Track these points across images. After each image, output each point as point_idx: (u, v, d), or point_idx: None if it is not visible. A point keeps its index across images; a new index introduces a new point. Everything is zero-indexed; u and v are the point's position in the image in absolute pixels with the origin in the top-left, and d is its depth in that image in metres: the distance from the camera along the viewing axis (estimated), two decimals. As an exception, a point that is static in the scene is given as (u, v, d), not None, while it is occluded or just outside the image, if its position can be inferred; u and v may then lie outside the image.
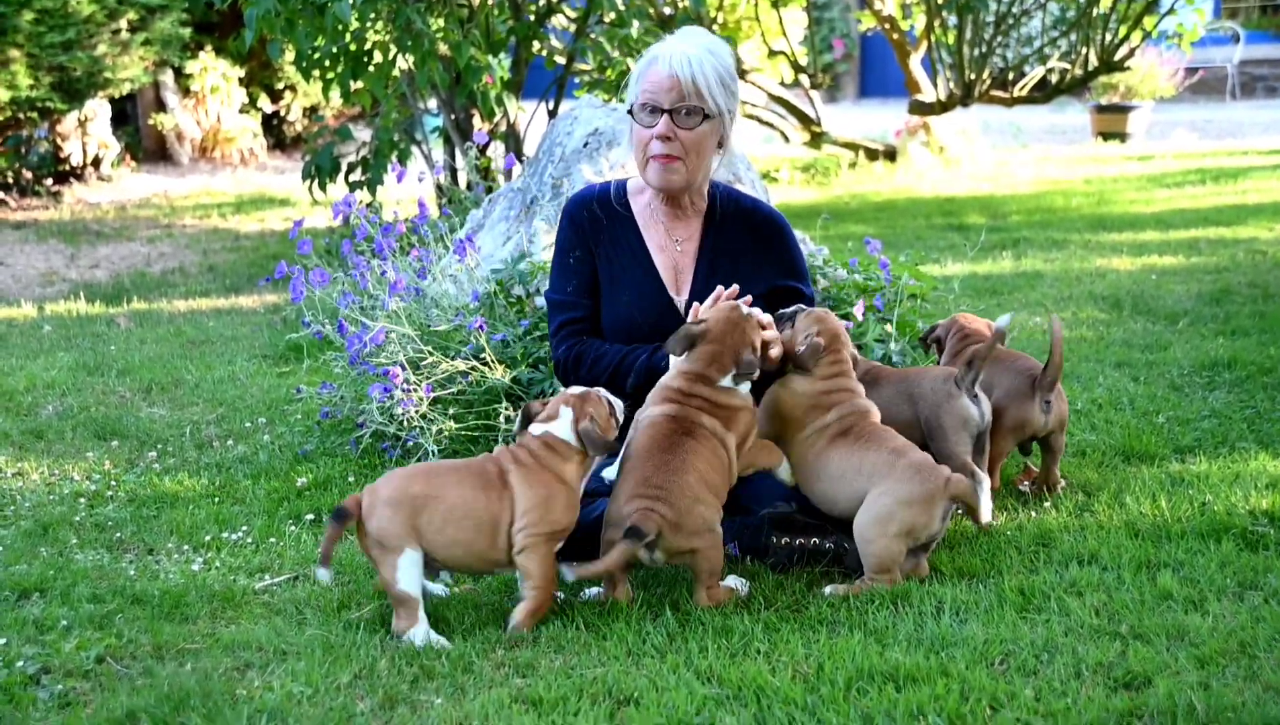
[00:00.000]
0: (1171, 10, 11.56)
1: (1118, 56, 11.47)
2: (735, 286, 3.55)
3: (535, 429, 3.27)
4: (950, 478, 3.36)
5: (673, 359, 3.46)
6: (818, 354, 3.52)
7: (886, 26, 12.39)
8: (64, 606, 3.35)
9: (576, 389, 3.38)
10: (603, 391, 3.38)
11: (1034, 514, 3.83)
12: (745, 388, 3.44)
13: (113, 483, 4.40)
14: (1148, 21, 11.47)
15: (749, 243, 3.80)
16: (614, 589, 3.29)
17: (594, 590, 3.35)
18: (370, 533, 3.15)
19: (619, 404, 3.40)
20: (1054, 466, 4.03)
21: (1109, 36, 11.46)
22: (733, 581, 3.36)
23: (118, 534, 3.95)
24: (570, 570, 3.22)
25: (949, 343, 4.25)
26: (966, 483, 3.39)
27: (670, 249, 3.80)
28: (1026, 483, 4.08)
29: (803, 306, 3.66)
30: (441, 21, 7.83)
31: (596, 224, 3.83)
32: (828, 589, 3.35)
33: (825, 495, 3.48)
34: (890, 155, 13.03)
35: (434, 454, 4.30)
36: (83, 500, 4.23)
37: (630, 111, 3.69)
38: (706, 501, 3.28)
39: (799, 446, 3.51)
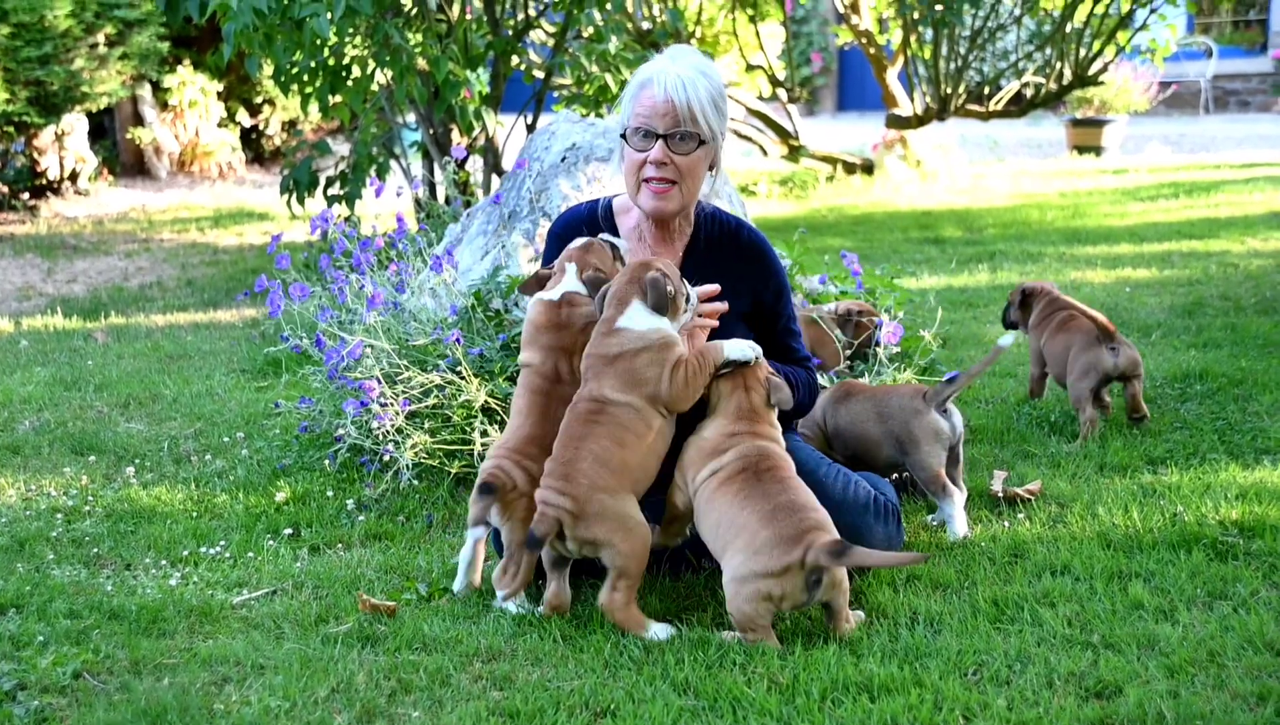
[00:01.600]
0: (1145, 25, 11.67)
1: (1092, 71, 11.59)
2: (717, 286, 3.53)
3: (550, 293, 3.42)
4: (810, 548, 3.05)
5: None
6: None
7: (863, 41, 12.48)
8: (40, 622, 3.35)
9: (579, 241, 3.50)
10: (605, 237, 3.54)
11: (1007, 525, 3.87)
12: (645, 324, 3.30)
13: (90, 498, 4.40)
14: (1121, 36, 11.59)
15: (732, 264, 3.73)
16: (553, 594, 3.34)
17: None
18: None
19: (622, 244, 3.56)
20: (1137, 396, 4.68)
21: (1083, 51, 11.58)
22: (659, 631, 3.18)
23: (95, 549, 3.94)
24: (500, 588, 3.36)
25: (1038, 306, 4.94)
26: (826, 554, 3.04)
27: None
28: (999, 490, 4.12)
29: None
30: (420, 36, 7.86)
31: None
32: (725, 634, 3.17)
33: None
34: (868, 169, 13.10)
35: (409, 469, 4.31)
36: (59, 515, 4.23)
37: (623, 135, 3.62)
38: (609, 487, 3.19)
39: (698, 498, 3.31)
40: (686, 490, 3.33)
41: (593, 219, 3.81)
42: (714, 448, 3.29)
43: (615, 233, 3.76)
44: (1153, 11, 11.46)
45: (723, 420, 3.33)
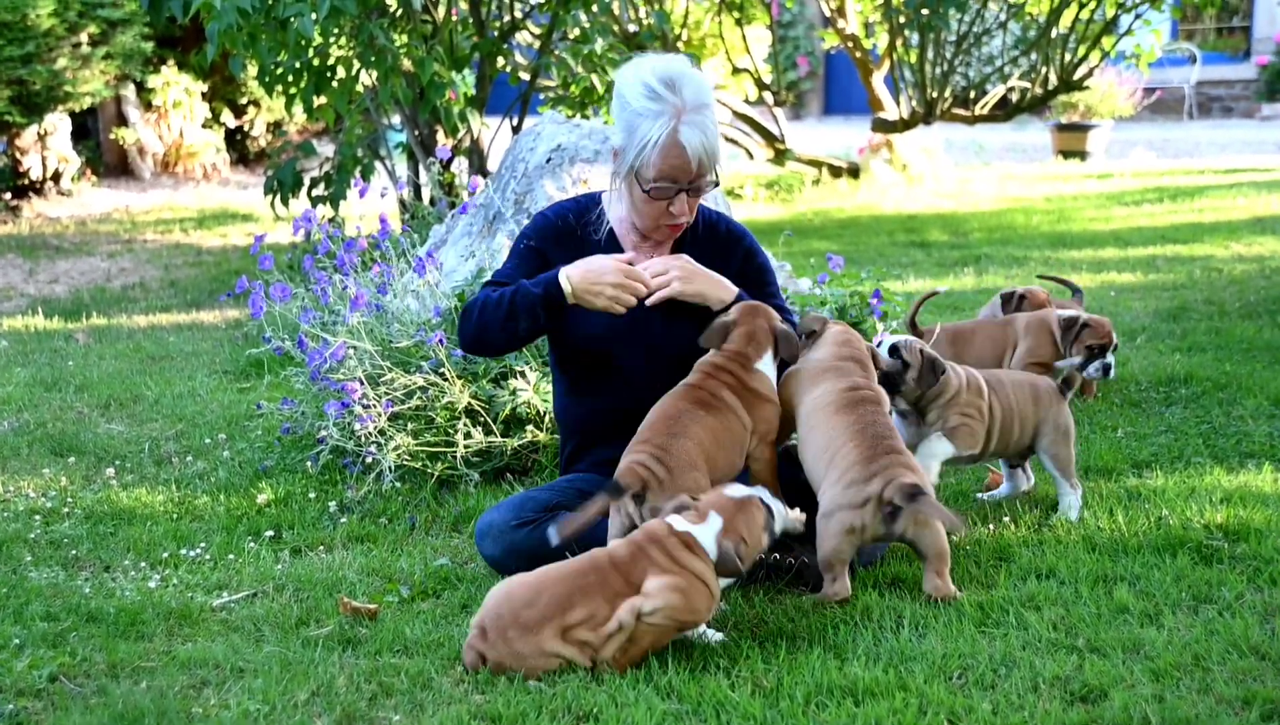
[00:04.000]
0: (1129, 31, 11.72)
1: (1077, 76, 11.62)
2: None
3: (678, 523, 3.06)
4: (889, 483, 3.28)
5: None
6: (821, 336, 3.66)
7: (850, 45, 12.49)
8: (16, 625, 3.31)
9: (739, 492, 3.15)
10: (764, 495, 3.20)
11: (993, 528, 3.86)
12: (772, 380, 3.54)
13: (69, 499, 4.36)
14: (1106, 42, 11.62)
15: (717, 254, 3.76)
16: None
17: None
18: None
19: (781, 511, 3.21)
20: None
21: (1068, 56, 11.60)
22: (711, 635, 3.17)
23: (73, 551, 3.90)
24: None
25: (1070, 337, 4.94)
26: (900, 493, 3.26)
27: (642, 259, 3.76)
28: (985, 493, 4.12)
29: (820, 317, 3.77)
30: (405, 37, 7.83)
31: (569, 234, 3.74)
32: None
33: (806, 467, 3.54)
34: (854, 172, 13.11)
35: (391, 471, 4.28)
36: (38, 517, 4.18)
37: (634, 173, 3.57)
38: (702, 471, 3.33)
39: (803, 409, 3.56)
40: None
41: (582, 216, 3.77)
42: (824, 369, 3.56)
43: (611, 235, 3.75)
44: (1137, 17, 11.50)
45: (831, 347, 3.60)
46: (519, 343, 3.67)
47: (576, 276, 3.50)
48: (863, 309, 5.13)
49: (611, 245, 3.74)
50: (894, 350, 3.83)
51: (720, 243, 3.81)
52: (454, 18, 8.21)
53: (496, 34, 8.56)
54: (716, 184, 3.67)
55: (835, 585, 3.34)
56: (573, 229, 3.76)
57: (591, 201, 3.83)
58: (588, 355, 3.74)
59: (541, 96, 9.30)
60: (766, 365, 3.54)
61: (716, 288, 3.60)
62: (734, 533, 3.06)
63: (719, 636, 3.15)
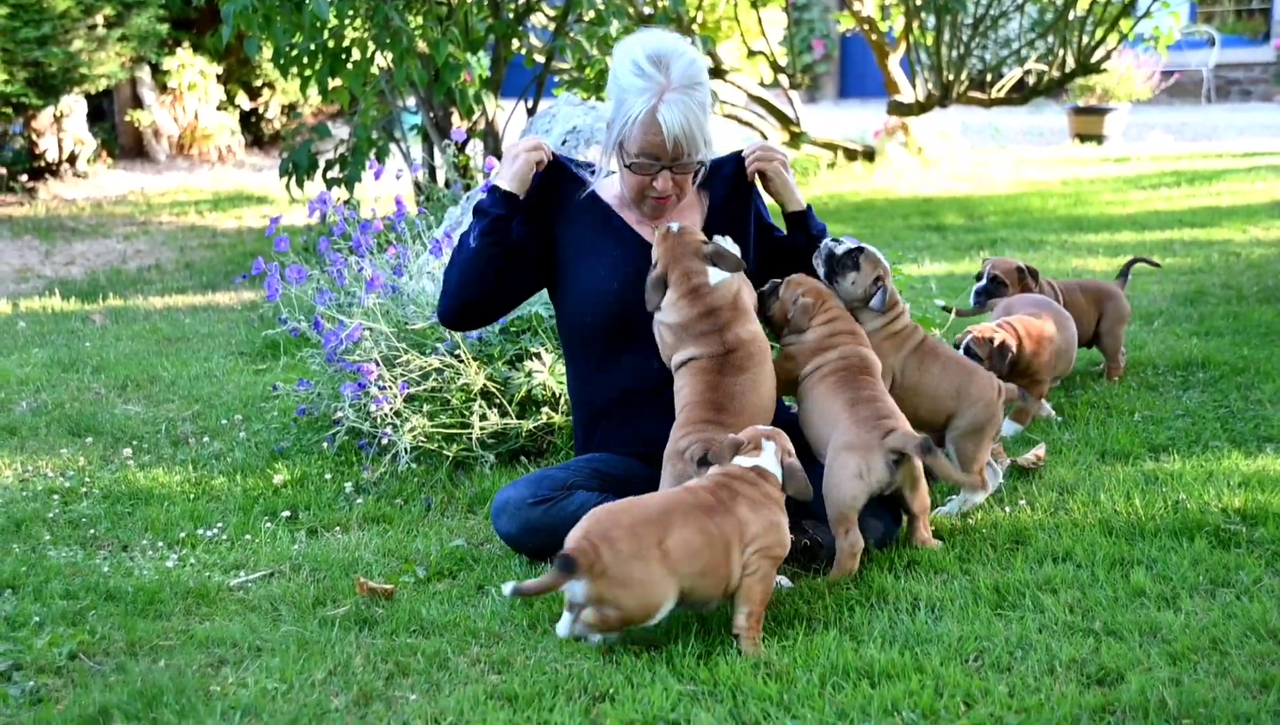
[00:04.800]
0: (1148, 13, 11.63)
1: (1094, 59, 11.54)
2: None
3: (744, 461, 3.17)
4: (891, 432, 3.45)
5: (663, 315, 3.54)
6: (809, 312, 3.68)
7: (865, 27, 12.43)
8: (36, 603, 3.33)
9: (765, 428, 3.29)
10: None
11: (1009, 511, 3.85)
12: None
13: (87, 479, 4.38)
14: (1124, 24, 11.54)
15: (738, 199, 3.85)
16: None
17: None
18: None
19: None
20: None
21: (1086, 39, 11.52)
22: (784, 582, 3.35)
23: (91, 530, 3.92)
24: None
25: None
26: (910, 442, 3.44)
27: (648, 225, 3.75)
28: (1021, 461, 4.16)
29: (777, 279, 3.77)
30: (420, 19, 7.82)
31: (562, 190, 3.79)
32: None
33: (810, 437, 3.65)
34: (869, 155, 13.06)
35: (407, 452, 4.29)
36: (56, 497, 4.21)
37: (620, 147, 3.63)
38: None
39: (802, 389, 3.68)
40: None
41: (577, 175, 3.82)
42: (815, 348, 3.67)
43: (593, 196, 3.80)
44: (1155, -1, 11.43)
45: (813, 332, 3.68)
46: (485, 278, 3.67)
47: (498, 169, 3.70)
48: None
49: (594, 204, 3.79)
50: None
51: (736, 182, 3.86)
52: (469, 0, 8.20)
53: (511, 16, 8.54)
54: (705, 165, 3.67)
55: (849, 537, 3.41)
56: (569, 184, 3.81)
57: (582, 164, 3.89)
58: (595, 329, 3.74)
59: (556, 79, 9.28)
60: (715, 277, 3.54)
61: (794, 192, 3.82)
62: (785, 452, 3.20)
63: (789, 583, 3.34)
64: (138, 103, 14.20)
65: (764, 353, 3.53)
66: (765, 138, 13.18)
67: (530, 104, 8.81)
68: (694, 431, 3.37)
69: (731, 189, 3.84)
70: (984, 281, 5.16)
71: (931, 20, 11.63)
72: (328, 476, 4.36)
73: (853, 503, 3.42)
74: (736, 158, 3.85)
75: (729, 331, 3.47)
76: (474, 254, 3.66)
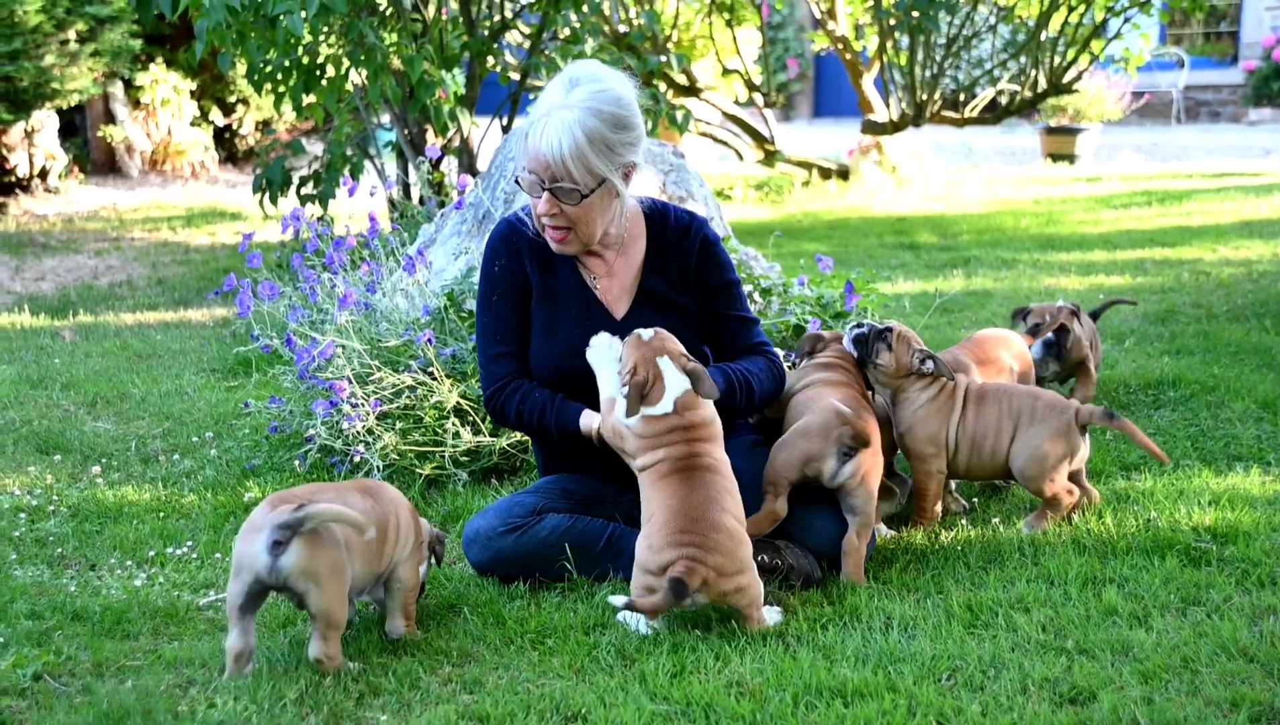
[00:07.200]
0: (1118, 35, 11.76)
1: (1066, 79, 11.65)
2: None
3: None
4: (1079, 410, 3.79)
5: (630, 421, 3.30)
6: (927, 359, 3.89)
7: (840, 47, 12.50)
8: (1, 623, 3.29)
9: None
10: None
11: (982, 531, 3.86)
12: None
13: (54, 497, 4.33)
14: (1095, 45, 11.66)
15: (683, 259, 3.67)
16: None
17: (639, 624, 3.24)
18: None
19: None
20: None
21: (1057, 60, 11.64)
22: (771, 615, 3.27)
23: (59, 549, 3.88)
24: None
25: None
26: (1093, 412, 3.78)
27: (604, 280, 3.66)
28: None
29: (869, 324, 3.89)
30: (395, 36, 7.80)
31: (530, 241, 3.63)
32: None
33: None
34: (843, 174, 13.12)
35: (379, 471, 4.26)
36: (23, 515, 4.16)
37: (516, 179, 3.52)
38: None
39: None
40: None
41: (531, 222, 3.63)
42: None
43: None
44: (1126, 21, 11.54)
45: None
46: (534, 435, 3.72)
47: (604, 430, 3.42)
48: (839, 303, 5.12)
49: (550, 263, 3.64)
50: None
51: (689, 247, 3.68)
52: (444, 16, 8.19)
53: (487, 33, 8.54)
54: (585, 196, 3.42)
55: (776, 503, 3.47)
56: (529, 233, 3.64)
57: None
58: (552, 383, 3.63)
59: (531, 96, 9.28)
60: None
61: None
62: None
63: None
64: (110, 118, 14.12)
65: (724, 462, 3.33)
66: (740, 156, 13.23)
67: (505, 121, 8.81)
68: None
69: (676, 240, 3.67)
70: (1051, 335, 5.00)
71: (905, 40, 11.72)
72: (299, 495, 4.32)
73: (785, 474, 3.49)
74: (702, 226, 3.70)
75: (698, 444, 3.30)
76: (542, 434, 3.60)
